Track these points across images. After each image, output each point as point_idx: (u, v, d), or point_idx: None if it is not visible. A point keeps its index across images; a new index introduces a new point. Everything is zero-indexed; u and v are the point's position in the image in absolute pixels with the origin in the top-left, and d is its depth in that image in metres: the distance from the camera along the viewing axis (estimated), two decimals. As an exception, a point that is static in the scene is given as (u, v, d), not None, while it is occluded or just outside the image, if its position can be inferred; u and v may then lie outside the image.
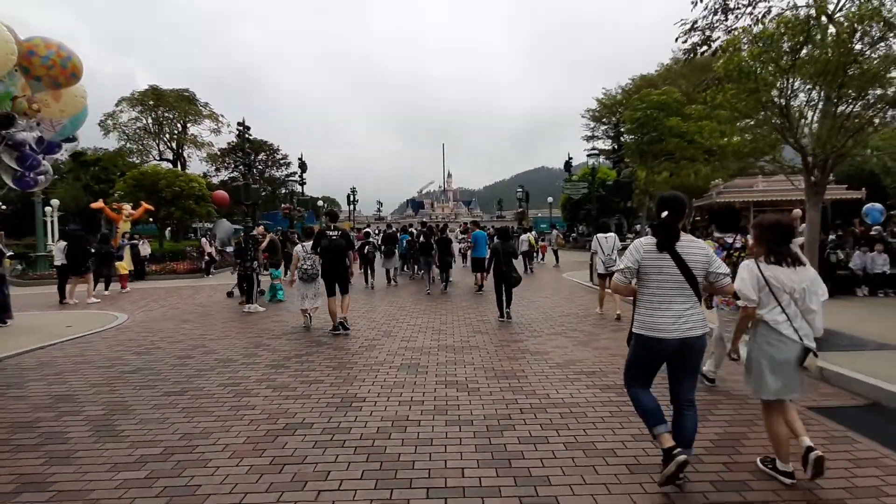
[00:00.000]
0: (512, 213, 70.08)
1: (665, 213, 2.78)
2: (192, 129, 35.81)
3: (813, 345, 2.80)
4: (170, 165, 30.61)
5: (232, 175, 37.22)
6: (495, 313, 8.60)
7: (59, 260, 11.26)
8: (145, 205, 18.83)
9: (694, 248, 2.77)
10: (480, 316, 8.87)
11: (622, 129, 21.07)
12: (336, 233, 7.15)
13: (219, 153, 35.86)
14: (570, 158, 35.08)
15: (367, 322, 8.39)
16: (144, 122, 33.47)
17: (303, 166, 35.50)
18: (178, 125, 35.04)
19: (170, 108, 33.31)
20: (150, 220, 20.05)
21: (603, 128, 40.45)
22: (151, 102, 32.83)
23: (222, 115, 34.81)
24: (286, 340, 7.07)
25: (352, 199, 55.49)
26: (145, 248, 15.28)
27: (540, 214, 45.25)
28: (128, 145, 32.40)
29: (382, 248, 13.49)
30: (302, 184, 35.60)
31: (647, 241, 2.82)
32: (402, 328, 7.87)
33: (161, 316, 9.39)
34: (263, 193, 32.00)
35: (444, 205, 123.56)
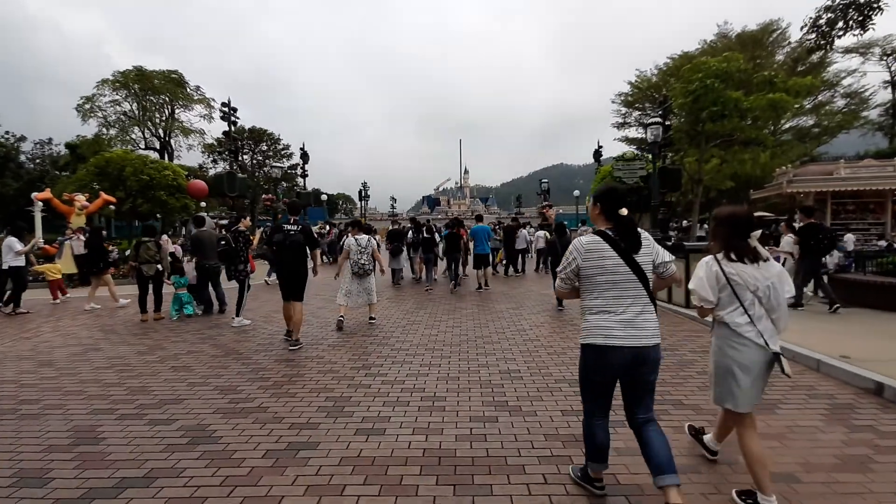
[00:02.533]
0: (532, 208, 66.50)
1: (624, 210, 2.45)
2: (183, 116, 33.36)
3: (778, 347, 2.53)
4: (156, 155, 28.18)
5: (228, 167, 34.93)
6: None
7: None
8: (105, 196, 16.21)
9: (642, 242, 2.48)
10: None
11: (671, 107, 17.61)
12: (295, 227, 6.16)
13: (215, 142, 33.36)
14: (601, 147, 31.71)
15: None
16: (130, 106, 31.06)
17: (304, 157, 32.75)
18: (166, 111, 32.57)
19: (155, 91, 30.83)
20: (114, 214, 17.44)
21: (636, 114, 36.72)
22: (137, 86, 30.41)
23: (213, 100, 32.32)
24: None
25: (363, 194, 53.11)
26: (79, 247, 12.48)
27: (562, 210, 42.08)
28: (108, 132, 30.03)
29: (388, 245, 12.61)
30: (303, 175, 32.91)
31: (588, 240, 2.48)
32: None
33: (76, 342, 6.53)
34: (265, 185, 29.64)
35: (461, 202, 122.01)
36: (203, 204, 30.80)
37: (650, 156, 16.46)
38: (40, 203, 15.05)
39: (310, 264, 6.36)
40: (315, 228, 26.37)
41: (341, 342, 6.46)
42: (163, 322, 7.95)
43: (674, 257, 2.63)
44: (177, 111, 33.06)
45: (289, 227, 6.12)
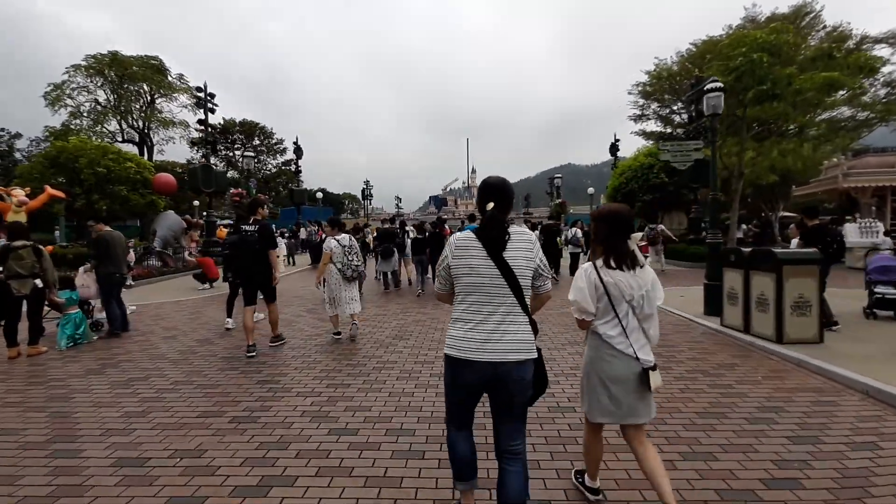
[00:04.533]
0: (542, 208, 64.12)
1: (491, 204, 2.17)
2: (164, 106, 31.04)
3: (650, 359, 2.39)
4: (135, 149, 26.13)
5: (220, 162, 32.85)
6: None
7: None
8: (51, 190, 14.10)
9: (519, 242, 2.16)
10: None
11: (709, 88, 15.18)
12: (253, 227, 5.70)
13: (203, 136, 31.23)
14: (618, 140, 29.33)
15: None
16: (105, 95, 28.79)
17: (298, 152, 30.63)
18: (144, 100, 30.29)
19: (132, 79, 28.57)
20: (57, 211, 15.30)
21: (654, 106, 34.19)
22: (112, 72, 28.20)
23: (198, 88, 30.12)
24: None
25: (366, 192, 51.17)
26: None
27: (572, 211, 39.44)
28: (80, 122, 27.78)
29: (378, 247, 11.57)
30: (297, 172, 30.81)
31: (462, 236, 2.21)
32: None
33: None
34: (256, 185, 27.36)
35: (468, 201, 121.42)
36: (196, 203, 28.78)
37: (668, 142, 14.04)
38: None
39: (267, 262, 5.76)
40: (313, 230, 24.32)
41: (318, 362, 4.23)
42: (47, 357, 5.76)
43: (549, 276, 2.29)
44: (157, 101, 30.87)
45: (246, 227, 5.75)
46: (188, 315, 8.42)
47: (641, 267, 2.38)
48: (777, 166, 18.91)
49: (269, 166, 41.99)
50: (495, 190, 2.19)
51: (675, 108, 33.51)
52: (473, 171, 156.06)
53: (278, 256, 7.07)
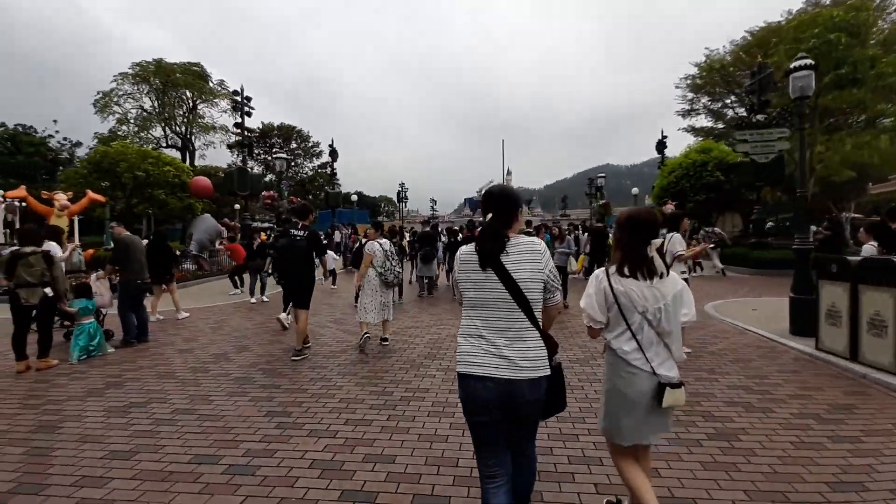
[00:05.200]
0: (580, 210, 62.08)
1: (489, 215, 2.09)
2: (205, 112, 31.63)
3: (672, 375, 2.18)
4: (178, 154, 26.72)
5: (258, 165, 33.36)
6: None
7: None
8: (92, 194, 14.21)
9: (525, 252, 2.03)
10: None
11: (770, 77, 13.67)
12: (302, 232, 5.77)
13: (239, 139, 31.73)
14: (665, 137, 27.51)
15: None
16: (151, 101, 29.63)
17: (333, 154, 30.53)
18: (186, 106, 30.94)
19: (176, 85, 29.26)
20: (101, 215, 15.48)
21: (705, 100, 32.12)
22: (157, 79, 29.00)
23: (235, 92, 30.47)
24: None
25: (401, 195, 51.02)
26: None
27: (616, 213, 37.25)
28: (127, 128, 28.66)
29: (418, 250, 11.19)
30: (332, 174, 30.73)
31: (464, 249, 2.13)
32: None
33: None
34: (290, 186, 27.46)
35: None
36: (237, 206, 29.23)
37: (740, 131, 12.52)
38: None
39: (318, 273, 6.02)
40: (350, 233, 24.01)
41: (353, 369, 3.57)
42: (56, 372, 5.35)
43: (558, 285, 2.13)
44: (199, 107, 31.60)
45: (295, 231, 5.83)
46: (212, 323, 7.98)
47: (661, 277, 2.17)
48: (850, 161, 17.00)
49: (306, 169, 42.42)
50: (494, 200, 2.11)
51: (728, 101, 31.40)
52: (509, 173, 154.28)
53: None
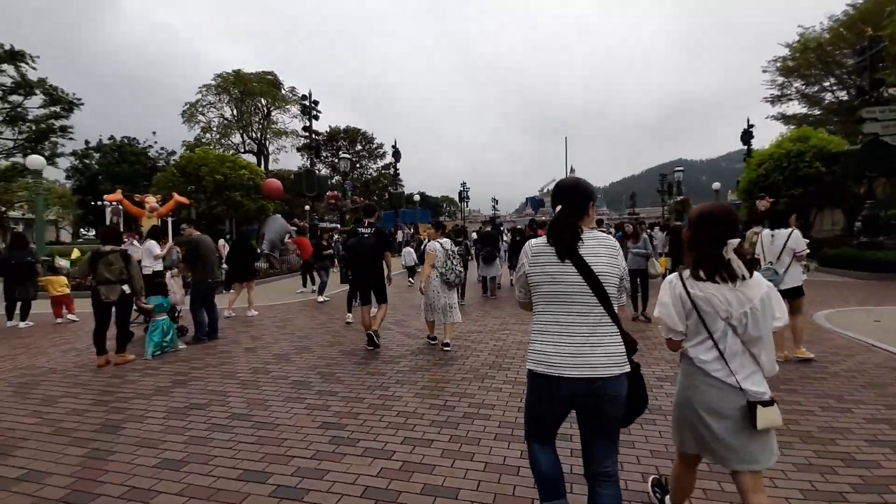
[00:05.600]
0: (651, 207, 58.68)
1: (559, 208, 2.03)
2: (278, 118, 33.22)
3: (762, 391, 1.93)
4: (254, 159, 28.29)
5: (325, 167, 34.54)
6: None
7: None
8: (178, 197, 15.20)
9: (601, 247, 1.98)
10: None
11: (882, 52, 11.72)
12: (369, 230, 5.96)
13: (307, 142, 33.04)
14: (751, 126, 24.95)
15: None
16: (230, 110, 31.67)
17: (396, 155, 30.94)
18: (262, 112, 32.68)
19: (252, 94, 31.03)
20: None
21: (798, 84, 28.81)
22: (237, 91, 30.94)
23: (303, 96, 31.64)
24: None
25: (462, 195, 50.96)
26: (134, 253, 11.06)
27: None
28: (207, 136, 30.82)
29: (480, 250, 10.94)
30: (395, 175, 31.11)
31: (536, 242, 2.06)
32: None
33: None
34: (353, 188, 28.24)
35: None
36: (307, 207, 30.57)
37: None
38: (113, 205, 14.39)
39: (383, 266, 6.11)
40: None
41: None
42: (131, 367, 5.50)
43: (626, 290, 2.19)
44: (272, 113, 33.33)
45: (363, 230, 6.00)
46: (278, 322, 8.03)
47: (743, 279, 1.96)
48: None
49: (370, 170, 43.44)
50: (565, 192, 2.06)
51: (826, 83, 27.89)
52: (572, 170, 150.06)
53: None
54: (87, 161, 45.20)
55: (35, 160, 14.18)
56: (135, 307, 6.06)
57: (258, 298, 10.32)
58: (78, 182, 42.20)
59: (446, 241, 6.17)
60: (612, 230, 14.49)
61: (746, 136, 24.86)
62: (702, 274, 1.97)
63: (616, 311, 1.94)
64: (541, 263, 1.99)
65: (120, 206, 14.55)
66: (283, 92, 33.47)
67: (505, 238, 13.70)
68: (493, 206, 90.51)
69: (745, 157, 24.49)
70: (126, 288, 5.63)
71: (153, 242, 8.35)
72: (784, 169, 18.51)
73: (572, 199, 2.02)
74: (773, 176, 18.85)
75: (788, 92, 29.24)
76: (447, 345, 5.87)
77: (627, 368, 1.91)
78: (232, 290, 8.99)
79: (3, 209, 31.42)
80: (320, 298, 10.12)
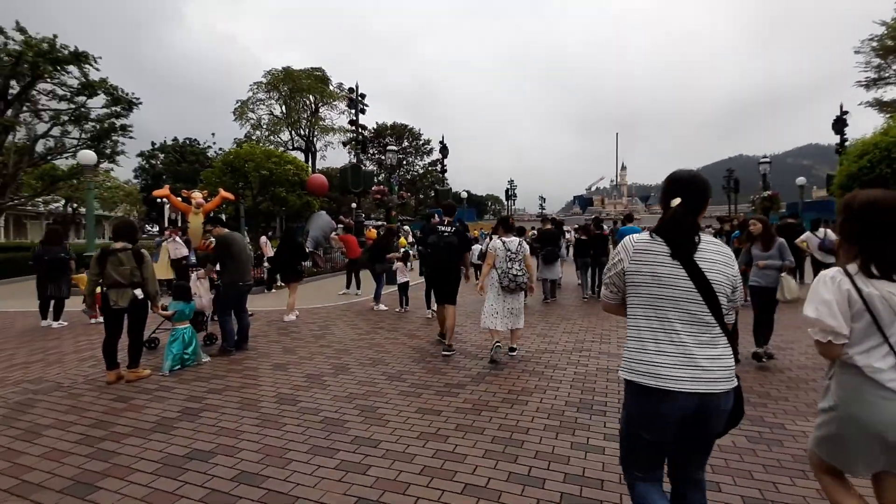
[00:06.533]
0: (715, 206, 54.72)
1: (677, 201, 1.80)
2: (326, 114, 33.01)
3: None
4: (301, 156, 28.13)
5: (371, 164, 34.07)
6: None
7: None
8: (224, 192, 14.74)
9: (715, 253, 1.79)
10: None
11: None
12: (449, 229, 5.87)
13: (353, 136, 32.62)
14: (845, 113, 21.92)
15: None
16: (279, 107, 31.74)
17: (444, 151, 29.94)
18: (310, 109, 32.57)
19: (301, 90, 30.94)
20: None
21: (899, 65, 25.17)
22: (286, 88, 30.95)
23: (350, 90, 30.91)
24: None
25: (509, 192, 49.52)
26: (176, 250, 10.66)
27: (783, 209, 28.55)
28: (257, 133, 31.05)
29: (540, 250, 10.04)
30: (443, 171, 30.09)
31: (640, 238, 1.85)
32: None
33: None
34: (399, 185, 27.32)
35: (617, 201, 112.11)
36: (354, 205, 30.19)
37: None
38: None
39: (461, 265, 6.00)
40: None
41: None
42: (141, 387, 4.67)
43: (739, 302, 1.87)
44: (320, 109, 33.18)
45: (443, 228, 5.90)
46: (316, 330, 7.11)
47: None
48: None
49: (417, 167, 42.74)
50: (683, 184, 1.84)
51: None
52: (623, 168, 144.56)
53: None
54: (152, 161, 47.60)
55: (86, 155, 14.17)
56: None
57: (301, 300, 9.55)
58: (144, 181, 44.41)
59: (512, 241, 5.47)
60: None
61: (839, 124, 21.86)
62: (874, 270, 1.73)
63: (726, 322, 1.76)
64: (646, 262, 1.79)
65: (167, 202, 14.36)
66: (332, 88, 33.30)
67: (567, 237, 12.53)
68: (541, 205, 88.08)
69: (839, 148, 21.54)
70: (139, 292, 4.82)
71: (264, 239, 7.95)
72: (895, 160, 15.87)
73: (692, 191, 1.82)
74: (880, 168, 16.22)
75: (887, 74, 25.62)
76: (514, 349, 5.57)
77: (736, 383, 1.76)
78: (275, 289, 8.24)
79: (76, 206, 33.29)
80: (378, 307, 8.84)
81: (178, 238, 11.09)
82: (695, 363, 1.67)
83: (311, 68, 32.49)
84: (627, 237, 1.91)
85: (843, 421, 1.81)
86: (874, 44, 25.08)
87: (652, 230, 1.84)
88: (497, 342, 5.27)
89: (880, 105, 26.83)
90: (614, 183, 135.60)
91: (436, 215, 9.45)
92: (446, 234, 5.85)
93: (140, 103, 25.74)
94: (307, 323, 7.65)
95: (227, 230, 5.99)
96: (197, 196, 14.00)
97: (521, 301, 5.56)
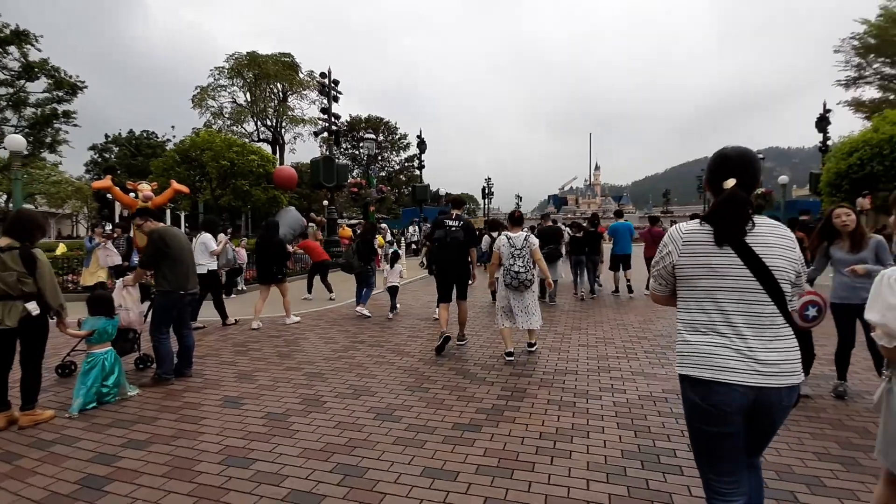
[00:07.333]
0: (691, 206, 55.76)
1: (731, 182, 1.68)
2: (295, 104, 31.10)
3: None
4: (269, 148, 26.33)
5: (345, 158, 32.52)
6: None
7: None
8: (176, 185, 13.26)
9: (773, 236, 1.69)
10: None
11: None
12: (456, 223, 5.76)
13: (325, 125, 30.96)
14: (828, 111, 21.96)
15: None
16: (245, 96, 29.71)
17: (421, 145, 28.85)
18: (278, 97, 30.63)
19: (268, 77, 29.06)
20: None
21: (878, 63, 25.62)
22: (251, 74, 29.02)
23: (322, 74, 29.01)
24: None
25: (486, 190, 48.81)
26: (106, 258, 9.16)
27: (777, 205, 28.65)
28: (219, 122, 28.97)
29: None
30: (420, 167, 28.99)
31: (689, 228, 1.76)
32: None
33: None
34: (373, 169, 25.97)
35: (591, 200, 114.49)
36: (325, 202, 28.58)
37: None
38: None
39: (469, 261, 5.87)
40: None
41: None
42: (38, 435, 3.45)
43: (803, 287, 1.83)
44: (289, 98, 31.33)
45: (450, 222, 5.74)
46: (282, 345, 5.94)
47: None
48: None
49: (393, 163, 41.30)
50: (736, 163, 1.72)
51: (914, 63, 24.57)
52: (597, 168, 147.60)
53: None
54: (105, 155, 44.61)
55: (14, 140, 12.37)
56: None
57: (268, 304, 8.33)
58: (97, 176, 41.64)
59: (518, 236, 5.23)
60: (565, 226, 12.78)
61: (822, 122, 21.91)
62: None
63: (790, 311, 1.67)
64: (697, 253, 1.70)
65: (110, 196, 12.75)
66: (301, 76, 31.48)
67: (565, 233, 11.86)
68: (517, 203, 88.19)
69: (822, 147, 21.57)
70: (33, 307, 3.55)
71: (208, 236, 7.08)
72: (886, 157, 15.73)
73: (743, 170, 1.69)
74: (871, 165, 16.07)
75: (866, 73, 26.05)
76: (532, 345, 5.43)
77: (802, 377, 1.69)
78: (234, 294, 7.03)
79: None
80: (365, 312, 7.73)
81: (109, 245, 9.43)
82: (753, 356, 1.61)
83: (280, 53, 30.45)
84: (674, 227, 1.82)
85: None
86: (855, 42, 25.46)
87: (702, 217, 1.75)
88: (509, 350, 5.13)
89: (857, 105, 27.33)
90: (588, 183, 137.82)
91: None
92: (453, 228, 5.71)
93: (85, 87, 23.61)
94: (270, 337, 6.44)
95: (163, 224, 4.74)
96: (144, 188, 12.48)
97: (535, 299, 5.30)
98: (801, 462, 2.90)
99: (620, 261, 9.99)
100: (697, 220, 1.75)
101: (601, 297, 9.69)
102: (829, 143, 21.74)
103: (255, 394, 4.20)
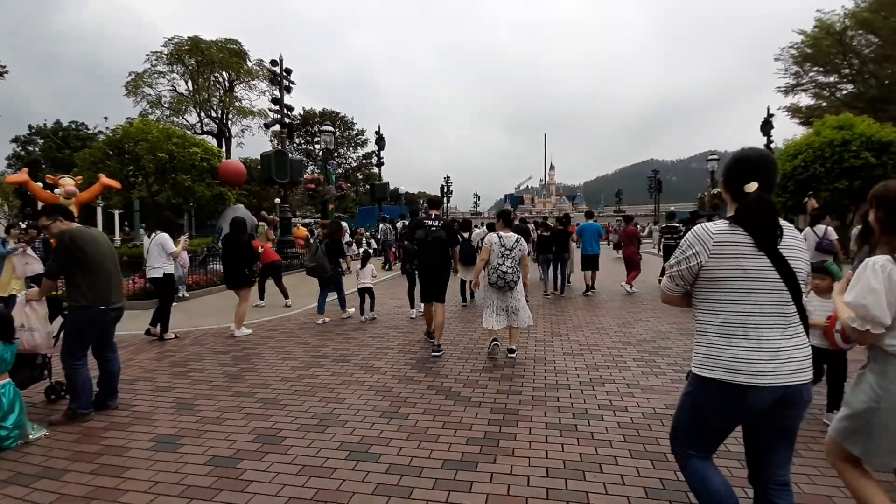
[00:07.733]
0: (643, 205, 57.71)
1: (754, 185, 1.70)
2: (243, 94, 29.15)
3: None
4: (213, 142, 24.54)
5: (299, 154, 30.93)
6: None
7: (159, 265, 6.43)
8: (105, 179, 11.98)
9: (793, 238, 1.76)
10: None
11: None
12: (436, 223, 5.80)
13: (277, 117, 29.33)
14: (771, 116, 23.12)
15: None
16: (186, 84, 27.49)
17: (380, 141, 27.97)
18: (223, 87, 28.65)
19: (212, 65, 27.11)
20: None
21: (813, 72, 27.28)
22: (193, 61, 26.94)
23: (273, 62, 27.37)
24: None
25: (445, 189, 48.45)
26: (23, 265, 7.82)
27: (672, 208, 30.56)
28: (157, 112, 26.75)
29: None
30: (379, 164, 28.16)
31: (718, 229, 1.74)
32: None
33: None
34: (332, 164, 24.70)
35: (546, 199, 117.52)
36: (278, 200, 27.00)
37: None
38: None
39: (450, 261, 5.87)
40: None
41: None
42: None
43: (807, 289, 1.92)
44: (236, 89, 29.35)
45: (430, 222, 5.75)
46: (231, 363, 5.18)
47: None
48: None
49: (350, 160, 39.93)
50: (759, 166, 1.73)
51: (845, 72, 26.35)
52: (552, 168, 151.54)
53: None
54: (28, 148, 40.60)
55: None
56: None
57: (212, 316, 7.44)
58: (18, 170, 37.79)
59: (510, 236, 5.25)
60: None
61: (766, 126, 23.02)
62: None
63: (805, 309, 1.72)
64: (730, 255, 1.69)
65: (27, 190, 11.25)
66: (250, 65, 29.58)
67: (533, 232, 11.83)
68: (475, 202, 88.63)
69: (767, 143, 22.67)
70: None
71: (165, 236, 6.56)
72: (828, 159, 16.65)
73: (765, 174, 1.72)
74: (814, 168, 16.98)
75: (803, 81, 27.70)
76: (512, 350, 5.27)
77: (812, 373, 1.75)
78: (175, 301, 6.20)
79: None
80: (346, 313, 7.57)
81: (29, 251, 8.07)
82: (778, 357, 1.65)
83: (225, 39, 28.33)
84: (700, 227, 1.79)
85: (879, 415, 1.81)
86: (793, 51, 27.00)
87: (731, 219, 1.74)
88: (494, 340, 5.28)
89: (795, 111, 29.05)
90: (543, 182, 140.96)
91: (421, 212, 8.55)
92: (434, 227, 5.68)
93: (5, 71, 21.10)
94: (217, 353, 5.64)
95: (75, 225, 3.88)
96: (67, 183, 11.15)
97: (521, 298, 5.30)
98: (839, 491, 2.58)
99: (590, 260, 10.11)
100: (724, 222, 1.73)
101: (572, 297, 9.49)
102: (773, 146, 22.94)
103: (196, 430, 3.47)
